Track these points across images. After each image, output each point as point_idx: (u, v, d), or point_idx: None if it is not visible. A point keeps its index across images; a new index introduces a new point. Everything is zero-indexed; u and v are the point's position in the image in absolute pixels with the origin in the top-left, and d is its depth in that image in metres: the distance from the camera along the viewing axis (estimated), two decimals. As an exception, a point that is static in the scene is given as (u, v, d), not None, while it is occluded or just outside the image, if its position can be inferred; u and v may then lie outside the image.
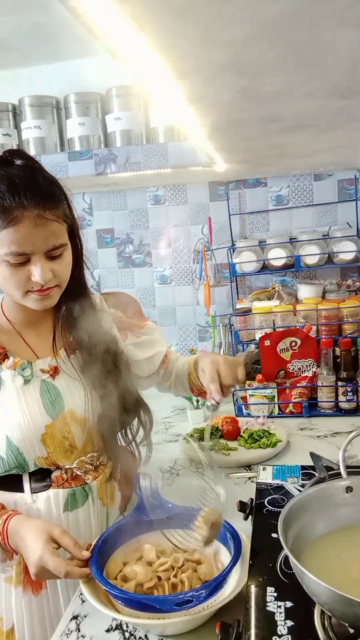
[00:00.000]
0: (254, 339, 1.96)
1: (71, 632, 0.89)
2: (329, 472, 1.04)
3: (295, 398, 1.84)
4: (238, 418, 1.76)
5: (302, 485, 1.09)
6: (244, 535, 0.95)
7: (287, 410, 1.85)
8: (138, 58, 0.60)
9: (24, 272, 0.95)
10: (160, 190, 2.25)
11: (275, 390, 1.85)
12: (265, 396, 1.85)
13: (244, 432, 1.64)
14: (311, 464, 1.13)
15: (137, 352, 1.23)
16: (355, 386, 1.77)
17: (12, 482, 1.05)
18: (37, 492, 1.04)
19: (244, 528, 0.98)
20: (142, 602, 0.83)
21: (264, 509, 1.02)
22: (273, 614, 0.74)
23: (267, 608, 0.75)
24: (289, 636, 0.70)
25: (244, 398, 1.89)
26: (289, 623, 0.72)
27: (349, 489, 0.87)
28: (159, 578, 0.92)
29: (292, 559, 0.70)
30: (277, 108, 0.89)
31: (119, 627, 0.89)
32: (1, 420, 1.01)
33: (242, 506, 1.06)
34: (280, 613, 0.74)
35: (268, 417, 1.78)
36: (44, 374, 1.05)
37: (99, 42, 0.55)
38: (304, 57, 0.63)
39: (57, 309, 1.09)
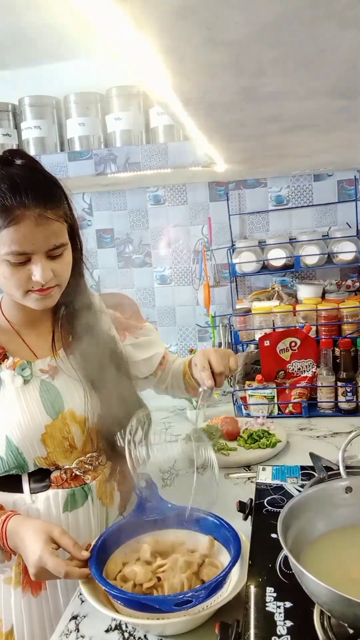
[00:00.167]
0: (254, 339, 1.96)
1: (70, 632, 0.89)
2: (329, 473, 1.04)
3: (294, 398, 1.84)
4: (238, 418, 1.75)
5: (302, 486, 1.09)
6: (243, 536, 0.95)
7: (287, 411, 1.85)
8: (138, 58, 0.60)
9: (24, 272, 0.95)
10: (160, 191, 2.25)
11: (275, 390, 1.85)
12: (265, 396, 1.85)
13: (243, 433, 1.64)
14: (311, 464, 1.13)
15: (135, 353, 1.23)
16: (355, 386, 1.77)
17: (11, 483, 1.05)
18: (37, 492, 1.04)
19: (244, 528, 0.98)
20: (142, 602, 0.83)
21: (264, 509, 1.02)
22: (272, 614, 0.74)
23: (267, 608, 0.75)
24: (289, 636, 0.70)
25: (244, 398, 1.89)
26: (289, 623, 0.72)
27: (348, 490, 0.87)
28: (159, 578, 0.92)
29: (291, 559, 0.70)
30: (277, 108, 0.89)
31: (118, 627, 0.89)
32: (1, 421, 1.01)
33: (242, 506, 1.06)
34: (280, 613, 0.74)
35: (268, 417, 1.78)
36: (43, 374, 1.05)
37: (98, 42, 0.55)
38: (304, 57, 0.63)
39: (56, 309, 1.09)
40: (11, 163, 0.95)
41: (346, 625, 0.69)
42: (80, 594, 0.94)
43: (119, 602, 0.86)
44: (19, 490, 1.04)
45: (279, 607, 0.75)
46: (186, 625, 0.85)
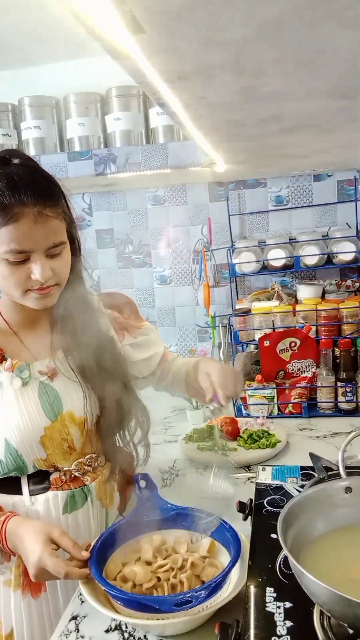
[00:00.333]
0: (254, 340, 1.96)
1: (70, 632, 0.89)
2: (328, 473, 1.04)
3: (294, 398, 1.84)
4: (237, 418, 1.75)
5: (302, 486, 1.09)
6: (243, 536, 0.95)
7: (287, 411, 1.85)
8: (138, 58, 0.60)
9: (23, 271, 0.94)
10: (159, 191, 2.25)
11: (275, 390, 1.85)
12: (265, 397, 1.85)
13: (243, 433, 1.64)
14: (310, 464, 1.13)
15: (134, 353, 1.23)
16: (355, 387, 1.77)
17: (10, 485, 1.04)
18: (36, 494, 1.04)
19: (244, 528, 0.98)
20: (142, 603, 0.83)
21: (264, 509, 1.02)
22: (272, 614, 0.74)
23: (267, 608, 0.75)
24: (288, 636, 0.70)
25: (244, 399, 1.89)
26: (288, 623, 0.72)
27: (348, 490, 0.87)
28: (159, 579, 0.92)
29: (291, 560, 0.70)
30: (277, 108, 0.89)
31: (118, 627, 0.89)
32: (0, 423, 1.01)
33: (242, 506, 1.06)
34: (280, 613, 0.74)
35: (267, 417, 1.78)
36: (42, 375, 1.05)
37: (98, 42, 0.55)
38: (304, 57, 0.63)
39: (54, 309, 1.09)
40: (9, 162, 0.95)
41: (346, 625, 0.69)
42: (80, 594, 0.94)
43: (118, 602, 0.86)
44: (18, 492, 1.04)
45: (278, 607, 0.75)
46: (186, 626, 0.85)
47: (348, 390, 1.77)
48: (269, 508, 1.02)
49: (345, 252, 1.92)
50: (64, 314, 1.09)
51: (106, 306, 1.21)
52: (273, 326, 1.92)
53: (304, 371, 1.87)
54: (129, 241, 2.33)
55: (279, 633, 0.70)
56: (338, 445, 1.01)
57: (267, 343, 1.85)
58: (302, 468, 1.16)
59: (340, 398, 1.79)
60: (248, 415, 1.86)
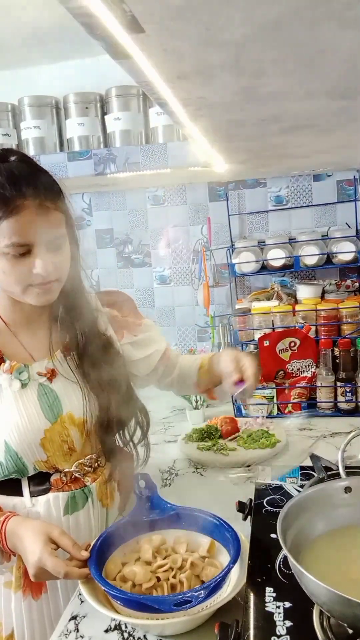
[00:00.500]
0: (253, 340, 1.96)
1: (70, 632, 0.89)
2: (328, 473, 1.04)
3: (294, 398, 1.84)
4: (237, 418, 1.76)
5: (301, 486, 1.09)
6: (242, 536, 0.95)
7: (286, 411, 1.85)
8: (138, 58, 0.60)
9: (24, 265, 0.94)
10: (159, 191, 2.25)
11: (274, 390, 1.85)
12: (264, 396, 1.85)
13: (243, 433, 1.64)
14: (310, 464, 1.13)
15: (134, 351, 1.22)
16: (354, 386, 1.77)
17: (10, 486, 1.04)
18: (36, 495, 1.04)
19: (243, 528, 0.98)
20: (141, 603, 0.83)
21: (263, 509, 1.02)
22: (272, 614, 0.74)
23: (266, 608, 0.75)
24: (288, 636, 0.70)
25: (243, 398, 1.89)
26: (288, 623, 0.72)
27: (347, 490, 0.87)
28: (158, 579, 0.92)
29: (291, 560, 0.70)
30: (277, 108, 0.89)
31: (117, 627, 0.89)
32: None
33: (241, 506, 1.06)
34: (279, 613, 0.74)
35: (267, 417, 1.78)
36: (41, 377, 1.04)
37: (98, 42, 0.55)
38: (304, 57, 0.63)
39: (53, 308, 1.09)
40: (7, 159, 0.95)
41: (345, 625, 0.69)
42: (80, 594, 0.94)
43: (118, 602, 0.86)
44: (19, 493, 1.04)
45: (278, 607, 0.75)
46: (186, 626, 0.85)
47: (347, 390, 1.77)
48: (269, 508, 1.02)
49: (344, 252, 1.92)
50: (62, 313, 1.08)
51: (104, 304, 1.20)
52: (273, 326, 1.92)
53: (304, 371, 1.87)
54: (128, 241, 2.33)
55: (278, 633, 0.70)
56: (337, 445, 1.01)
57: (266, 343, 1.85)
58: (302, 468, 1.16)
59: (340, 398, 1.79)
60: (248, 415, 1.86)
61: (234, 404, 1.89)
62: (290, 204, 2.16)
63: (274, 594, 0.78)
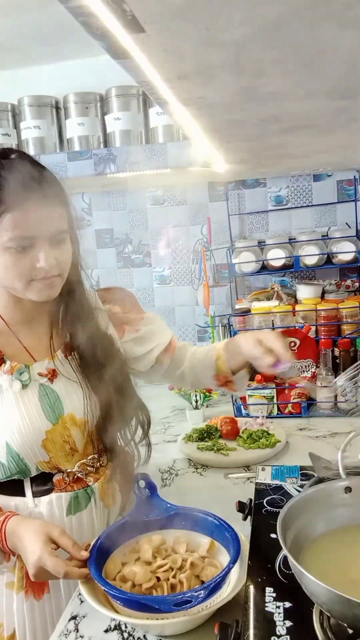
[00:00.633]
0: (253, 340, 1.95)
1: (70, 632, 0.89)
2: (328, 473, 1.04)
3: (294, 398, 1.84)
4: (237, 418, 1.75)
5: (301, 486, 1.09)
6: (242, 536, 0.95)
7: (286, 411, 1.85)
8: (138, 58, 0.60)
9: (27, 259, 0.93)
10: (159, 191, 2.25)
11: (274, 390, 1.85)
12: (264, 396, 1.85)
13: (242, 433, 1.64)
14: (310, 464, 1.13)
15: (136, 347, 1.20)
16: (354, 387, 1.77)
17: (13, 487, 1.03)
18: (39, 496, 1.03)
19: (243, 528, 0.98)
20: (141, 603, 0.83)
21: (263, 509, 1.02)
22: (272, 614, 0.74)
23: (266, 608, 0.75)
24: (288, 636, 0.70)
25: (243, 398, 1.89)
26: (288, 623, 0.72)
27: (347, 490, 0.87)
28: (158, 579, 0.92)
29: (291, 560, 0.70)
30: (277, 108, 0.89)
31: (117, 627, 0.89)
32: (0, 426, 1.00)
33: (241, 506, 1.06)
34: (279, 613, 0.74)
35: (267, 417, 1.78)
36: (42, 377, 1.04)
37: (98, 42, 0.55)
38: (304, 57, 0.63)
39: (54, 307, 1.08)
40: (8, 156, 0.96)
41: (345, 625, 0.69)
42: (80, 594, 0.94)
43: (118, 602, 0.86)
44: (21, 494, 1.03)
45: (278, 607, 0.75)
46: (185, 626, 0.85)
47: (347, 390, 1.77)
48: (269, 508, 1.02)
49: (344, 252, 1.92)
50: (63, 312, 1.08)
51: (105, 302, 1.19)
52: (273, 326, 1.92)
53: (304, 371, 1.87)
54: (128, 241, 2.33)
55: (278, 633, 0.70)
56: (337, 445, 1.01)
57: (266, 343, 1.85)
58: (302, 468, 1.16)
59: (340, 398, 1.79)
60: (247, 415, 1.86)
61: (233, 404, 1.89)
62: (290, 204, 2.16)
63: (274, 594, 0.78)
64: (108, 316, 1.17)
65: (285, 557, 0.84)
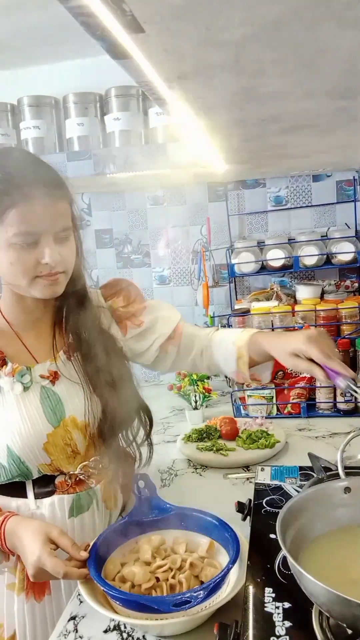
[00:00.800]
0: (253, 340, 1.96)
1: (69, 632, 0.89)
2: (327, 473, 1.04)
3: (293, 399, 1.84)
4: (236, 419, 1.75)
5: (301, 486, 1.09)
6: (242, 536, 0.95)
7: (286, 411, 1.85)
8: (138, 58, 0.60)
9: (32, 256, 0.93)
10: (159, 191, 2.25)
11: (274, 391, 1.85)
12: (264, 397, 1.85)
13: (242, 433, 1.64)
14: (309, 464, 1.13)
15: (138, 344, 1.19)
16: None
17: (14, 489, 1.03)
18: (41, 498, 1.03)
19: (242, 529, 0.98)
20: (140, 603, 0.83)
21: (262, 509, 1.02)
22: (271, 614, 0.74)
23: (265, 609, 0.75)
24: (287, 637, 0.70)
25: (242, 399, 1.89)
26: (287, 624, 0.72)
27: (347, 490, 0.87)
28: (157, 579, 0.92)
29: (290, 560, 0.70)
30: (277, 108, 0.89)
31: (116, 627, 0.89)
32: (1, 429, 0.99)
33: (241, 507, 1.06)
34: (279, 614, 0.74)
35: (266, 417, 1.78)
36: (43, 379, 1.03)
37: (98, 42, 0.55)
38: (304, 57, 0.63)
39: (57, 307, 1.08)
40: (13, 154, 0.98)
41: (345, 625, 0.69)
42: (79, 595, 0.94)
43: (117, 602, 0.86)
44: (23, 495, 1.03)
45: (277, 607, 0.75)
46: (185, 626, 0.85)
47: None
48: (268, 508, 1.02)
49: (344, 252, 1.92)
50: (66, 312, 1.08)
51: (107, 298, 1.17)
52: (272, 326, 1.92)
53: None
54: (128, 241, 2.33)
55: (277, 633, 0.70)
56: (337, 446, 1.01)
57: (266, 343, 1.85)
58: (301, 468, 1.16)
59: (339, 398, 1.79)
60: (247, 416, 1.86)
61: (233, 405, 1.89)
62: (290, 204, 2.16)
63: (273, 595, 0.78)
64: (110, 314, 1.16)
65: (284, 558, 0.84)
